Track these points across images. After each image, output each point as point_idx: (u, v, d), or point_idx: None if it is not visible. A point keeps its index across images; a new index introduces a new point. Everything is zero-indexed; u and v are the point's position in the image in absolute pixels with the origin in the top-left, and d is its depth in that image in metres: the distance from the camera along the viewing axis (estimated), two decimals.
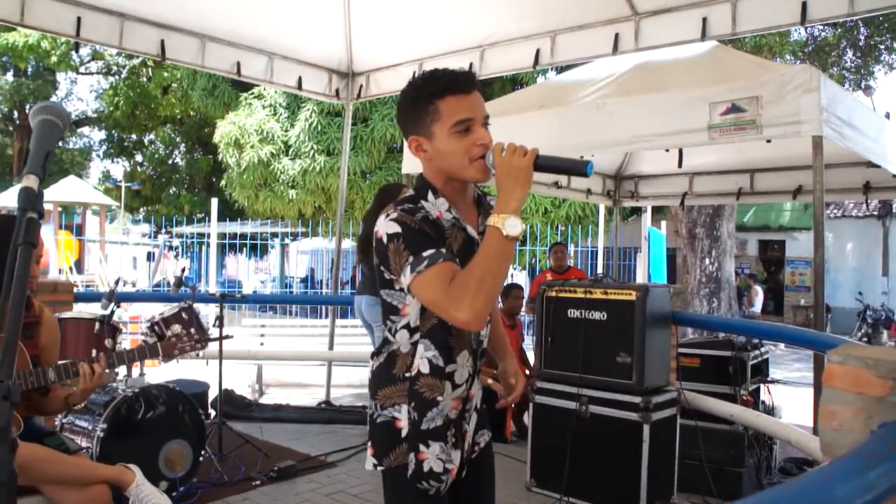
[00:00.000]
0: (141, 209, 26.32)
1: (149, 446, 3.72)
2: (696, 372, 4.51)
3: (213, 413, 5.40)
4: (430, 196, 1.80)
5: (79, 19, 5.22)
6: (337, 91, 7.14)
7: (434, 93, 1.75)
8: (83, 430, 3.66)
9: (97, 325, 3.74)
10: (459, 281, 1.65)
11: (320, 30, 6.42)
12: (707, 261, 11.29)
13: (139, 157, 26.52)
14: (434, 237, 1.73)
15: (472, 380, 1.90)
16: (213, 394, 5.32)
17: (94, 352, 3.46)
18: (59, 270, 13.59)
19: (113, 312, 3.81)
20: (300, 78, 6.82)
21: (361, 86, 7.09)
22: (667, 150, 5.94)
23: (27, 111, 27.30)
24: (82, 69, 27.10)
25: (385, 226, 1.73)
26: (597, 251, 11.75)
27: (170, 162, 25.59)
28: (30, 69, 25.74)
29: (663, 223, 12.18)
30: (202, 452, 3.94)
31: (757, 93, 3.78)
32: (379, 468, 1.85)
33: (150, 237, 21.71)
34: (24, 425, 2.65)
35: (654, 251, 10.20)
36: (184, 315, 3.93)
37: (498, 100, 6.20)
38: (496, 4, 5.72)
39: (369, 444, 1.89)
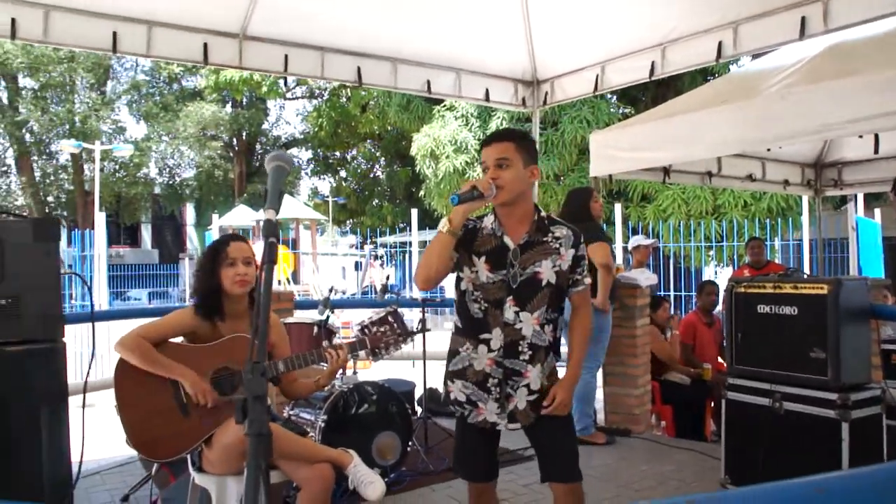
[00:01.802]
0: (347, 222, 28.09)
1: (362, 437, 4.13)
2: None
3: (419, 409, 5.82)
4: (490, 214, 2.71)
5: (286, 57, 5.78)
6: (523, 99, 7.32)
7: (480, 146, 2.74)
8: (307, 421, 4.16)
9: (315, 329, 4.23)
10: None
11: (503, 43, 6.65)
12: None
13: (343, 173, 28.34)
14: (463, 238, 2.64)
15: (517, 356, 2.62)
16: (419, 392, 5.72)
17: (325, 343, 3.92)
18: (278, 282, 14.95)
19: (328, 317, 4.27)
20: (487, 90, 7.07)
21: (546, 92, 7.24)
22: (860, 137, 5.59)
23: (243, 138, 30.19)
24: (289, 95, 29.49)
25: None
26: (801, 244, 11.06)
27: (371, 175, 27.13)
28: (244, 100, 28.35)
29: (877, 211, 11.23)
30: (409, 444, 4.32)
31: None
32: None
33: (356, 247, 23.16)
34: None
35: (866, 242, 9.46)
36: (390, 318, 4.30)
37: (681, 97, 6.14)
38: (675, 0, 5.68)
39: None
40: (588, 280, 2.74)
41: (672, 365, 6.09)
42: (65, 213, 27.77)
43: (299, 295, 15.50)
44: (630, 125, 6.26)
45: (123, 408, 2.91)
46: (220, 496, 2.96)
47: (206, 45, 5.44)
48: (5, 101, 26.48)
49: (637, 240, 7.10)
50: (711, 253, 13.73)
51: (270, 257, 1.53)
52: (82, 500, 4.10)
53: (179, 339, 3.09)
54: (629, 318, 5.60)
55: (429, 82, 6.67)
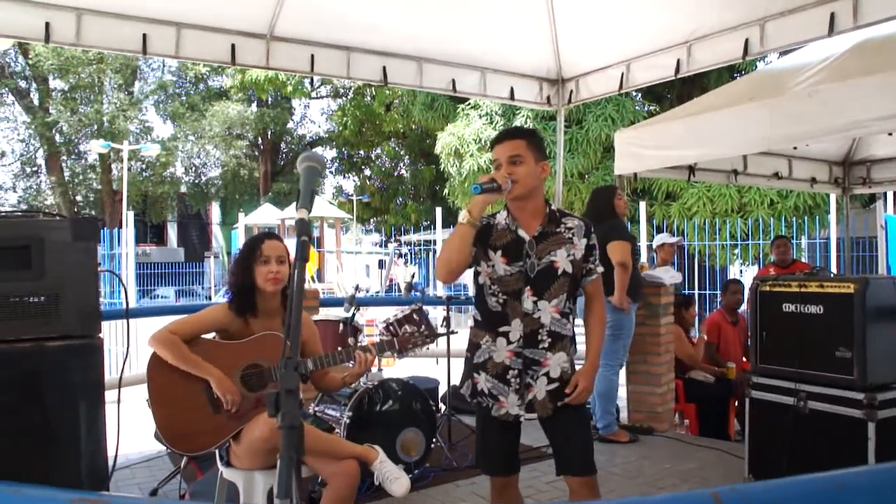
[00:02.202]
0: (371, 220, 28.20)
1: (387, 433, 4.17)
2: None
3: (443, 407, 5.86)
4: (503, 210, 2.80)
5: (312, 57, 5.83)
6: (548, 98, 7.31)
7: (491, 144, 2.81)
8: (332, 417, 4.21)
9: (341, 326, 4.29)
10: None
11: (528, 41, 6.66)
12: None
13: (368, 172, 28.45)
14: (479, 231, 2.69)
15: (536, 345, 2.69)
16: (443, 389, 5.76)
17: (350, 341, 3.97)
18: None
19: (354, 315, 4.33)
20: (512, 88, 7.08)
21: (571, 91, 7.23)
22: (890, 134, 5.54)
23: (268, 138, 30.42)
24: (313, 94, 29.64)
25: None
26: (829, 243, 10.94)
27: (395, 174, 27.22)
28: (270, 99, 28.55)
29: None
30: (434, 440, 4.36)
31: None
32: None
33: (380, 246, 23.23)
34: None
35: (894, 241, 9.34)
36: (415, 316, 4.37)
37: (706, 95, 6.12)
38: None
39: None
40: (601, 269, 2.85)
41: (695, 364, 6.08)
42: (93, 213, 28.14)
43: (324, 293, 15.61)
44: (656, 123, 6.25)
45: (156, 402, 2.96)
46: (247, 490, 3.01)
47: (233, 46, 5.52)
48: (36, 102, 26.91)
49: (662, 238, 7.09)
50: (737, 251, 13.61)
51: (303, 255, 1.58)
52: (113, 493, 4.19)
53: (212, 335, 3.15)
54: (653, 316, 5.60)
55: (454, 81, 6.69)
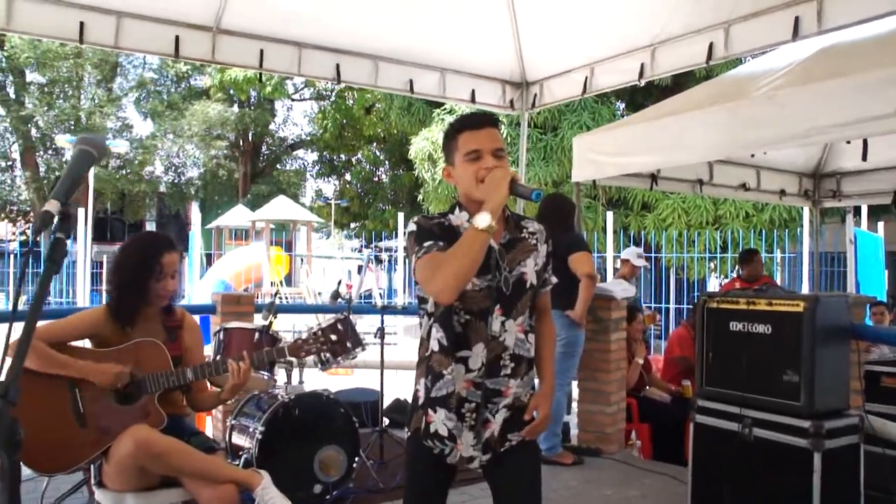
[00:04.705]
0: (350, 225, 27.89)
1: (304, 449, 3.88)
2: None
3: (386, 420, 5.55)
4: (457, 211, 2.29)
5: (261, 52, 5.57)
6: (511, 102, 7.10)
7: (457, 129, 2.25)
8: (246, 430, 3.92)
9: (256, 335, 3.98)
10: (435, 262, 2.10)
11: (490, 42, 6.42)
12: None
13: (348, 176, 28.17)
14: (438, 235, 2.18)
15: (499, 373, 2.22)
16: (388, 401, 5.43)
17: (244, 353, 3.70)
18: (272, 283, 14.70)
19: (271, 323, 4.03)
20: (473, 91, 6.86)
21: (535, 94, 7.01)
22: (848, 142, 5.30)
23: (249, 139, 30.14)
24: (297, 96, 29.35)
25: (409, 227, 2.24)
26: (800, 258, 10.73)
27: (375, 179, 26.93)
28: (252, 100, 28.26)
29: (880, 225, 10.87)
30: (356, 459, 4.06)
31: None
32: (406, 433, 2.35)
33: (358, 251, 22.92)
34: (175, 424, 2.90)
35: (866, 257, 9.12)
36: (339, 326, 4.07)
37: (670, 100, 5.89)
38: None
39: None
40: (554, 279, 2.42)
41: (652, 381, 5.80)
42: (81, 208, 27.67)
43: (292, 298, 15.27)
44: (615, 128, 6.02)
45: None
46: None
47: (177, 38, 5.26)
48: (12, 95, 26.46)
49: (631, 252, 6.82)
50: (714, 264, 13.41)
51: (51, 256, 1.26)
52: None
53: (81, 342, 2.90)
54: (603, 331, 5.29)
55: (411, 81, 6.45)
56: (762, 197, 7.51)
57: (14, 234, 28.44)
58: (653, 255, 12.44)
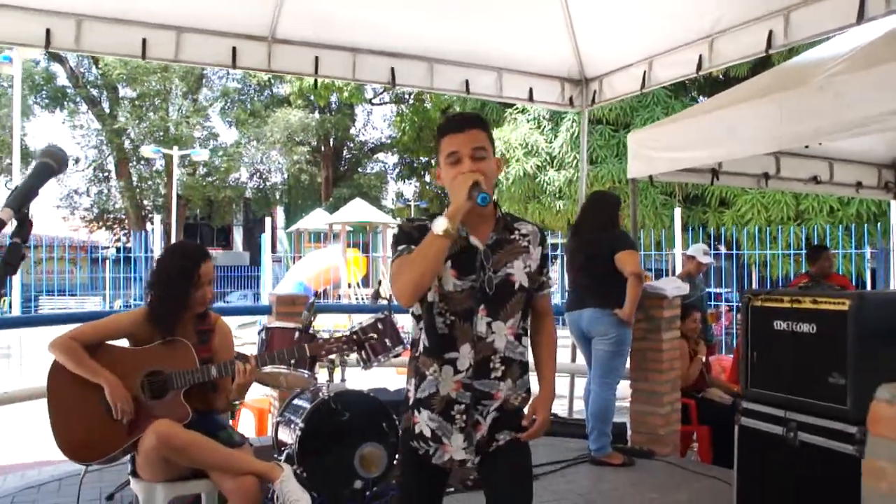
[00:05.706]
0: None
1: (345, 446, 3.89)
2: None
3: None
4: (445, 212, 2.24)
5: (316, 59, 5.67)
6: (570, 99, 6.97)
7: (441, 132, 2.28)
8: (289, 426, 4.01)
9: (297, 334, 4.07)
10: (397, 266, 2.19)
11: (545, 39, 6.32)
12: None
13: (427, 178, 28.42)
14: (416, 239, 2.18)
15: (488, 375, 2.23)
16: None
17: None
18: (349, 285, 14.98)
19: (311, 322, 4.11)
20: (531, 89, 6.73)
21: (595, 91, 6.88)
22: None
23: (331, 144, 30.81)
24: (376, 101, 29.79)
25: (394, 230, 2.27)
26: (892, 254, 10.12)
27: None
28: (333, 106, 28.87)
29: None
30: (396, 456, 4.08)
31: None
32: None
33: None
34: (204, 419, 3.03)
35: None
36: (379, 325, 4.12)
37: (725, 92, 5.68)
38: None
39: None
40: (554, 283, 2.41)
41: (713, 381, 5.60)
42: (160, 216, 28.97)
43: (364, 299, 15.45)
44: (667, 123, 5.85)
45: (53, 410, 2.91)
46: (146, 502, 2.93)
47: (234, 49, 5.43)
48: (107, 110, 27.89)
49: (697, 249, 6.62)
50: (799, 260, 12.85)
51: (7, 259, 1.35)
52: (68, 497, 4.04)
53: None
54: (655, 330, 5.14)
55: (467, 82, 6.42)
56: (835, 190, 7.16)
57: (111, 240, 29.97)
58: (734, 252, 12.05)
